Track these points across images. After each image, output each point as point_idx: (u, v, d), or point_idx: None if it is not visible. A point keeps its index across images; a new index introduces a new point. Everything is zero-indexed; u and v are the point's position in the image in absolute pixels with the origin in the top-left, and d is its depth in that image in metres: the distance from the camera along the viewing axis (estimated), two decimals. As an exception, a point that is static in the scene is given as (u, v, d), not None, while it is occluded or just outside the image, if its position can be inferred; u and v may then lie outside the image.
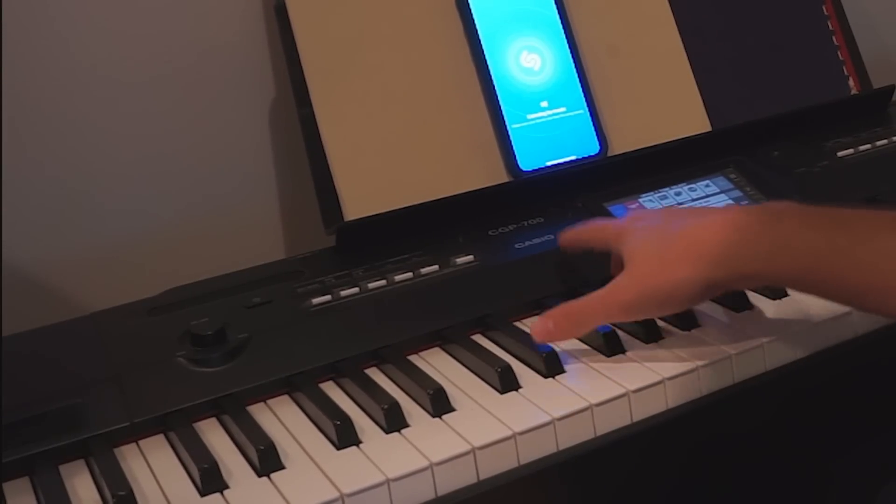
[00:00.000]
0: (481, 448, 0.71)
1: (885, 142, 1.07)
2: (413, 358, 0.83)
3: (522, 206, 0.97)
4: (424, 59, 1.00)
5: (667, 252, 0.75)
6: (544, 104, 1.02)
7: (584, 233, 0.85)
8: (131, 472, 0.73)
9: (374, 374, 0.81)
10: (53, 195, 0.99)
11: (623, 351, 0.80)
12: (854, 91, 1.15)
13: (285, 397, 0.81)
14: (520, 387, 0.77)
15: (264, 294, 0.88)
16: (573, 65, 1.04)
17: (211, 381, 0.80)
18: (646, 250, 0.76)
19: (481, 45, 1.01)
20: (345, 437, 0.73)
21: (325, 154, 0.96)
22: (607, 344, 0.80)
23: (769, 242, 0.72)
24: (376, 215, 0.94)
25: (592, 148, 1.03)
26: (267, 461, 0.71)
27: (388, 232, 0.94)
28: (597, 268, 0.86)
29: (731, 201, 0.98)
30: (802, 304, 0.83)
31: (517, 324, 0.86)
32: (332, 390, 0.81)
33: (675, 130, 1.05)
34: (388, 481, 0.69)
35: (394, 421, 0.74)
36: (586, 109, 1.03)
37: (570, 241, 0.87)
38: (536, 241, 0.93)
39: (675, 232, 0.76)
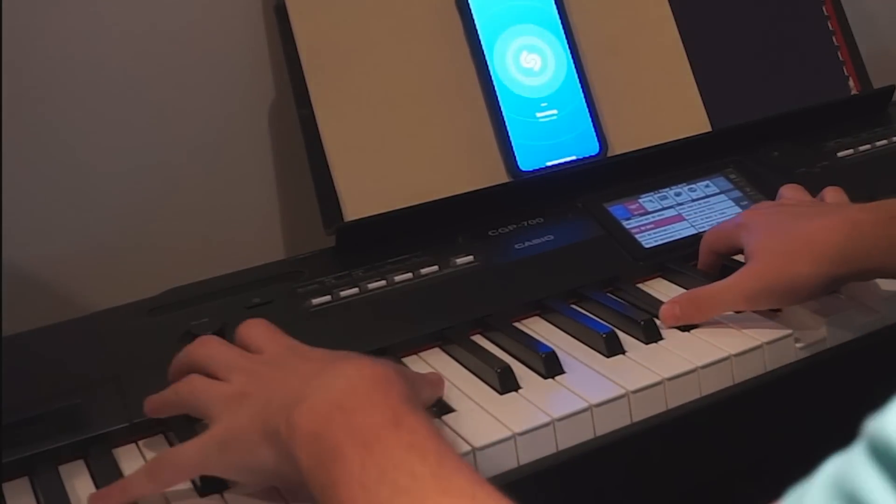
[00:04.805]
0: (481, 448, 0.71)
1: (885, 142, 1.07)
2: (413, 359, 0.83)
3: (522, 207, 0.97)
4: (424, 59, 1.00)
5: (790, 248, 0.80)
6: (544, 104, 1.02)
7: (708, 242, 0.90)
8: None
9: (374, 375, 0.81)
10: (53, 195, 0.99)
11: (623, 351, 0.80)
12: (854, 91, 1.15)
13: (285, 397, 0.80)
14: (519, 387, 0.77)
15: (264, 294, 0.88)
16: (573, 65, 1.04)
17: (211, 382, 0.79)
18: (771, 245, 0.81)
19: (481, 45, 1.01)
20: (345, 437, 0.73)
21: (325, 154, 0.96)
22: (607, 344, 0.80)
23: (887, 239, 0.77)
24: (376, 215, 0.94)
25: (592, 148, 1.03)
26: (267, 461, 0.71)
27: (387, 232, 0.94)
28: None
29: (730, 201, 0.98)
30: (802, 305, 0.83)
31: (517, 324, 0.86)
32: (331, 390, 0.80)
33: (675, 130, 1.05)
34: (387, 482, 0.69)
35: (394, 421, 0.74)
36: (586, 109, 1.03)
37: (703, 258, 0.91)
38: (536, 241, 0.93)
39: (797, 230, 0.81)
